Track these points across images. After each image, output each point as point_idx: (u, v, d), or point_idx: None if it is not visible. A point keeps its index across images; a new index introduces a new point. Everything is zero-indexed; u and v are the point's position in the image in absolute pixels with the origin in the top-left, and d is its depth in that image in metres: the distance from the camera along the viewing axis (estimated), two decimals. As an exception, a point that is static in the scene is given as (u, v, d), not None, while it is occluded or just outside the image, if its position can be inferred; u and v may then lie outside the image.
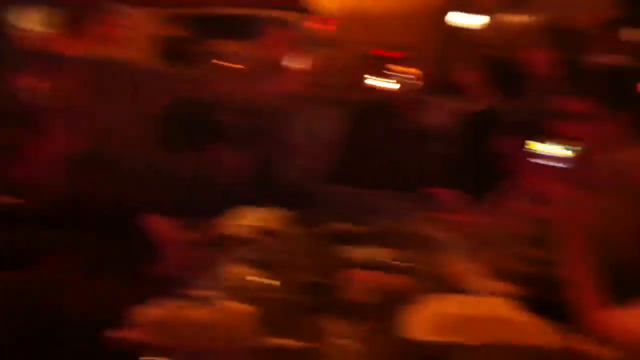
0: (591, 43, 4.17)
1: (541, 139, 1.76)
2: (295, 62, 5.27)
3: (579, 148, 1.71)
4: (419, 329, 1.72)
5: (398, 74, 7.09)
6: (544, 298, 1.89)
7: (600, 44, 4.20)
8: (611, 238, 1.83)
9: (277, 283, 2.04)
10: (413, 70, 6.71)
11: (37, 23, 4.83)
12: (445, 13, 7.77)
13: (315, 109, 5.68)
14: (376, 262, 2.39)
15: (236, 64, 5.06)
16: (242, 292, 1.94)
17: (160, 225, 2.55)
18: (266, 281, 2.05)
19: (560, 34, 4.06)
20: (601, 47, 4.12)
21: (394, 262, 2.32)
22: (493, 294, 2.06)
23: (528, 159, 2.05)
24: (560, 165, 1.69)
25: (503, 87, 4.31)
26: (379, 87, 7.06)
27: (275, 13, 6.15)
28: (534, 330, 1.70)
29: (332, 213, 2.95)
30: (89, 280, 2.29)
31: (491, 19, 6.28)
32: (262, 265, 2.21)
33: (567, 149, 1.69)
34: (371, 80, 6.70)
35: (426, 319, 1.74)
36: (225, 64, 5.11)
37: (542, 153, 1.71)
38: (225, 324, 1.68)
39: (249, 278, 2.07)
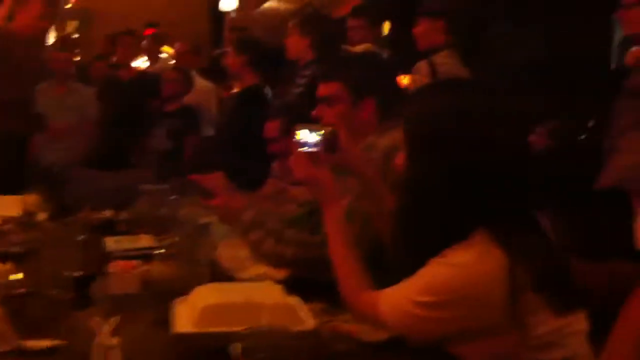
0: (346, 31, 4.36)
1: (298, 122, 1.79)
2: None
3: (332, 132, 1.76)
4: (186, 321, 1.68)
5: (158, 53, 6.93)
6: (312, 280, 1.94)
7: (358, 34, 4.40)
8: (369, 220, 1.91)
9: (26, 278, 1.88)
10: (174, 48, 6.59)
11: None
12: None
13: (70, 87, 5.39)
14: (138, 250, 2.30)
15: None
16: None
17: None
18: (15, 277, 1.88)
19: (317, 22, 4.20)
20: (358, 36, 4.33)
21: (156, 251, 2.24)
22: (260, 279, 2.07)
23: (287, 141, 2.07)
24: (315, 148, 1.73)
25: (263, 70, 4.39)
26: (138, 65, 6.85)
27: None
28: (300, 313, 1.73)
29: (90, 199, 2.79)
30: None
31: (255, 4, 6.37)
32: (11, 259, 2.03)
33: (321, 133, 1.73)
34: (130, 58, 6.47)
35: (193, 310, 1.70)
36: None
37: (299, 136, 1.74)
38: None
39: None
